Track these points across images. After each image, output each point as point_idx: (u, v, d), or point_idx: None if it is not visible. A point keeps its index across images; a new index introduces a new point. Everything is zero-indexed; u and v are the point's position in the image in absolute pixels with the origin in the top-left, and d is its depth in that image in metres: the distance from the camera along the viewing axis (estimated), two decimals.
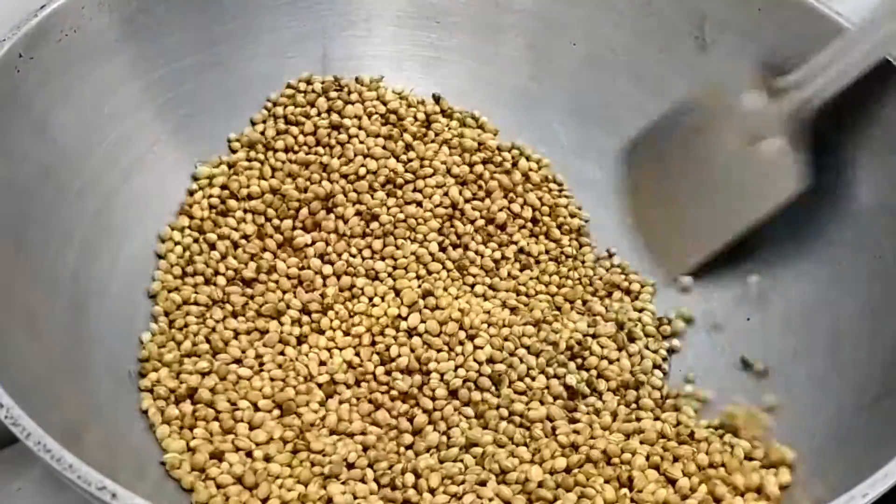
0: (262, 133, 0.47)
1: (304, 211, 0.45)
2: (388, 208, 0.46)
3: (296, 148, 0.47)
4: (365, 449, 0.39)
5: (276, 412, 0.40)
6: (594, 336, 0.43)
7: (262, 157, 0.47)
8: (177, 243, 0.44)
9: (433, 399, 0.40)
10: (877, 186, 0.41)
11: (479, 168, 0.47)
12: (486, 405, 0.40)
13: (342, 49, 0.49)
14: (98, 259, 0.41)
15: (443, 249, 0.46)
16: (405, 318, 0.43)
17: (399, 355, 0.41)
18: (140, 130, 0.44)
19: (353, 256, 0.45)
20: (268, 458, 0.38)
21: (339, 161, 0.46)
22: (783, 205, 0.42)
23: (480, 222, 0.46)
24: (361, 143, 0.47)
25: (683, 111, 0.45)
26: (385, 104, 0.48)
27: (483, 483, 0.37)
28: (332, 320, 0.43)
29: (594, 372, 0.42)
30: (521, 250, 0.46)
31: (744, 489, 0.37)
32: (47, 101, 0.40)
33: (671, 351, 0.44)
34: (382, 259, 0.45)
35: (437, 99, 0.49)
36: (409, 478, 0.37)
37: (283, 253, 0.45)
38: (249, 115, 0.48)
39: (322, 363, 0.42)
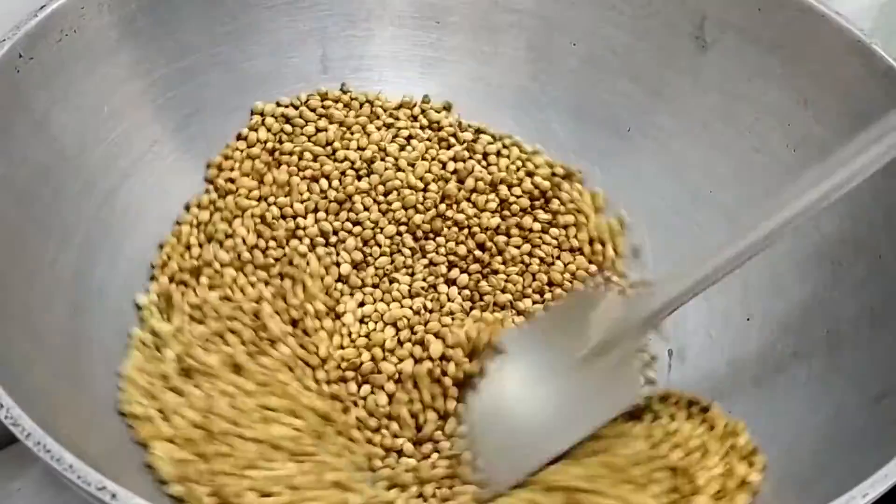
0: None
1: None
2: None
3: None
4: None
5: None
6: None
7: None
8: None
9: None
10: (876, 186, 0.41)
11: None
12: None
13: (342, 49, 0.49)
14: (98, 259, 0.42)
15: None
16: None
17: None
18: (140, 130, 0.44)
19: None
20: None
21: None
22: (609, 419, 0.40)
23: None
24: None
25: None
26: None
27: None
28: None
29: None
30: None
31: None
32: (47, 101, 0.40)
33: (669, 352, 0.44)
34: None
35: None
36: None
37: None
38: (247, 115, 0.48)
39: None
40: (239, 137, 0.48)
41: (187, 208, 0.46)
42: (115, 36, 0.43)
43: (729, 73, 0.46)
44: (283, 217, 0.46)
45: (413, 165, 0.47)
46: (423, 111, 0.50)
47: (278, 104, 0.48)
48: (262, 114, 0.48)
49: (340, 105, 0.49)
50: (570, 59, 0.49)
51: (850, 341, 0.40)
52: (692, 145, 0.48)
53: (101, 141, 0.43)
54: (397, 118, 0.49)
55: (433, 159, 0.48)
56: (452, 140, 0.49)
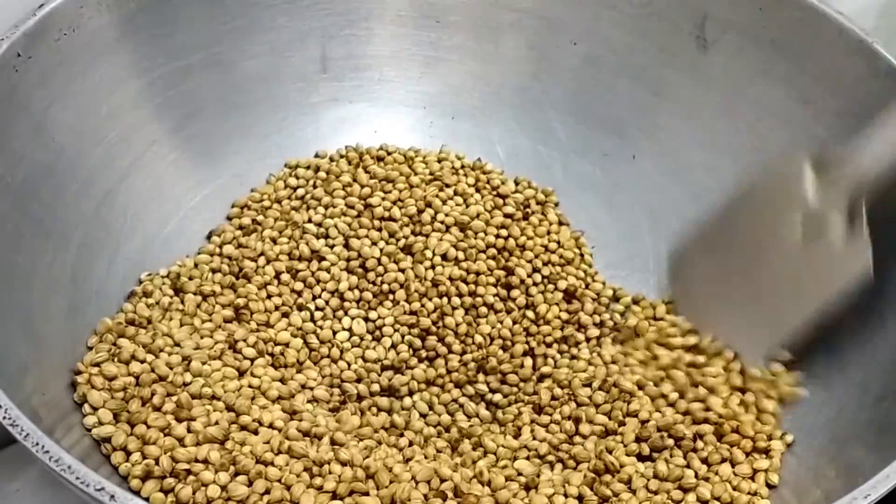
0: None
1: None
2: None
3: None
4: None
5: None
6: None
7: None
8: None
9: None
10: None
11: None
12: None
13: (342, 48, 0.49)
14: (96, 259, 0.42)
15: None
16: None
17: None
18: (139, 130, 0.44)
19: None
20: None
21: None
22: (847, 290, 0.39)
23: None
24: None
25: (735, 208, 0.43)
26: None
27: None
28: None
29: None
30: None
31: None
32: (46, 100, 0.40)
33: None
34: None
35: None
36: None
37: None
38: (248, 115, 0.48)
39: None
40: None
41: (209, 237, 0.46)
42: (113, 35, 0.43)
43: (730, 72, 0.46)
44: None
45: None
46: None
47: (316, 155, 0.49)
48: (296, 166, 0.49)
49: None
50: (570, 59, 0.49)
51: (851, 343, 0.40)
52: (693, 145, 0.47)
53: (99, 141, 0.43)
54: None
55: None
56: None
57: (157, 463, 0.35)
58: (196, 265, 0.44)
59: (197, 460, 0.36)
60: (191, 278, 0.43)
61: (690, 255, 0.44)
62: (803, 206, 0.39)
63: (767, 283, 0.41)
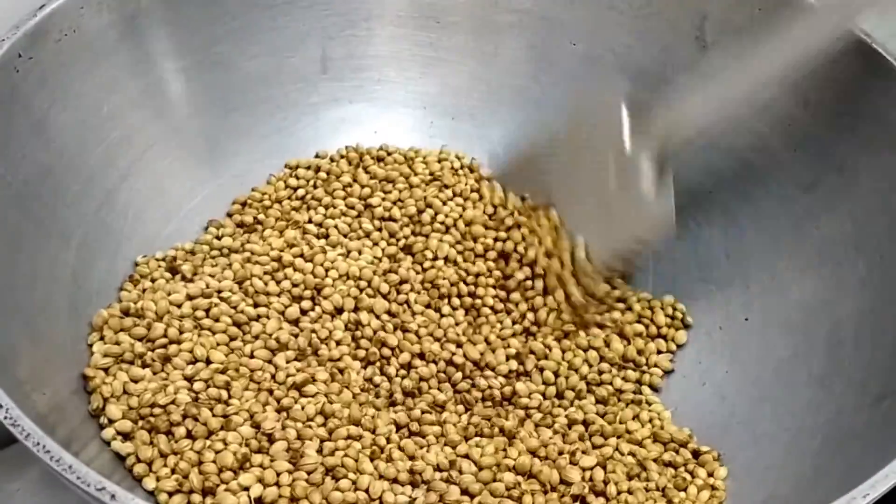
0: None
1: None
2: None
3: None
4: None
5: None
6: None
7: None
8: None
9: None
10: (876, 186, 0.41)
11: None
12: None
13: (342, 49, 0.49)
14: (97, 259, 0.42)
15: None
16: None
17: None
18: (139, 131, 0.44)
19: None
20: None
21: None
22: (647, 242, 0.40)
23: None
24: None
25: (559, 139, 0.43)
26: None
27: None
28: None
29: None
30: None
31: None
32: (46, 101, 0.40)
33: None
34: None
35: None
36: None
37: None
38: (248, 115, 0.48)
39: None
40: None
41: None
42: (114, 36, 0.43)
43: (729, 73, 0.46)
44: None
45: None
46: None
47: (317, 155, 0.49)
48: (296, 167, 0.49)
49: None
50: (570, 59, 0.49)
51: (851, 342, 0.40)
52: (692, 145, 0.47)
53: (100, 141, 0.43)
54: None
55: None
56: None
57: (185, 478, 0.35)
58: (193, 252, 0.44)
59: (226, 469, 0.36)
60: (186, 262, 0.43)
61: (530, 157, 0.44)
62: (619, 151, 0.39)
63: (590, 210, 0.41)
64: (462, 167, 0.49)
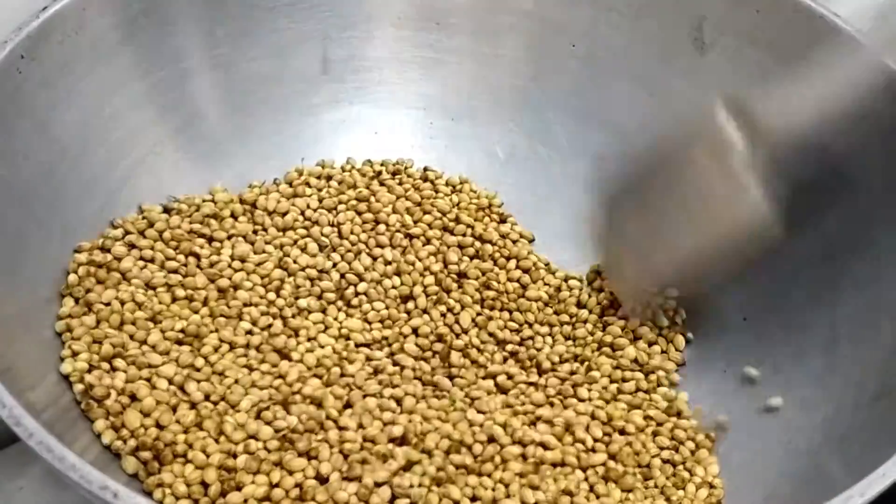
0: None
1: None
2: None
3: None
4: None
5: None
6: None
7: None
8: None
9: None
10: (876, 186, 0.41)
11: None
12: None
13: (342, 50, 0.49)
14: None
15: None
16: None
17: None
18: (141, 132, 0.44)
19: None
20: None
21: None
22: (746, 253, 0.39)
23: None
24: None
25: (662, 143, 0.42)
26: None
27: None
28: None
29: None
30: None
31: None
32: (49, 102, 0.40)
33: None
34: None
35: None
36: None
37: None
38: (250, 116, 0.48)
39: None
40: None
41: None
42: (116, 37, 0.43)
43: (728, 74, 0.46)
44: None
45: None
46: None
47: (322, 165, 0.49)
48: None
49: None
50: (569, 61, 0.49)
51: (849, 341, 0.40)
52: None
53: (102, 142, 0.43)
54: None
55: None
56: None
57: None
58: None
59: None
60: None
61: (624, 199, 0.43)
62: (728, 157, 0.38)
63: (665, 230, 0.41)
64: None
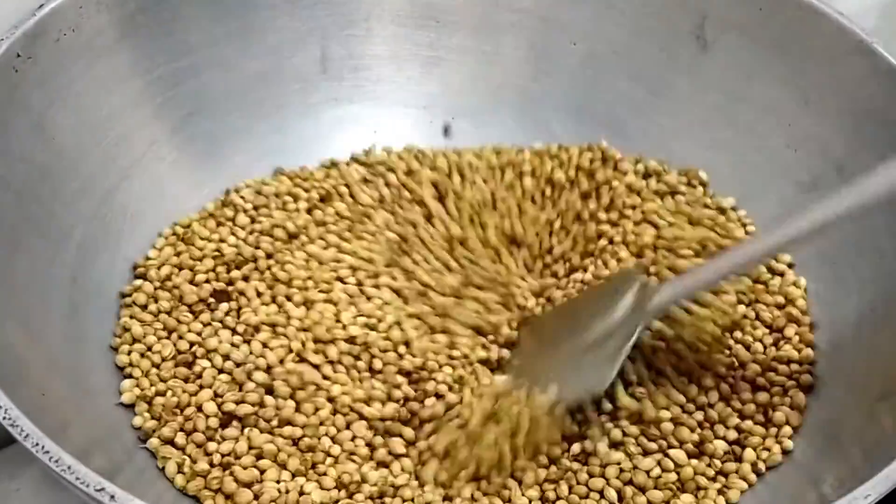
0: None
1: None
2: None
3: None
4: None
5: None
6: None
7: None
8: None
9: None
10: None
11: None
12: None
13: (342, 49, 0.49)
14: (96, 260, 0.42)
15: None
16: None
17: None
18: (139, 130, 0.44)
19: None
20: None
21: None
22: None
23: None
24: None
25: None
26: None
27: None
28: None
29: None
30: None
31: None
32: (45, 100, 0.40)
33: None
34: None
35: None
36: None
37: None
38: (248, 115, 0.48)
39: None
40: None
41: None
42: (113, 35, 0.43)
43: (729, 72, 0.46)
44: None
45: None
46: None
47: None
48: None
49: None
50: (570, 59, 0.49)
51: (852, 342, 0.40)
52: (692, 145, 0.47)
53: (99, 141, 0.43)
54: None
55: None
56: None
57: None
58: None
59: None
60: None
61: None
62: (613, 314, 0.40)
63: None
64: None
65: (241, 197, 0.46)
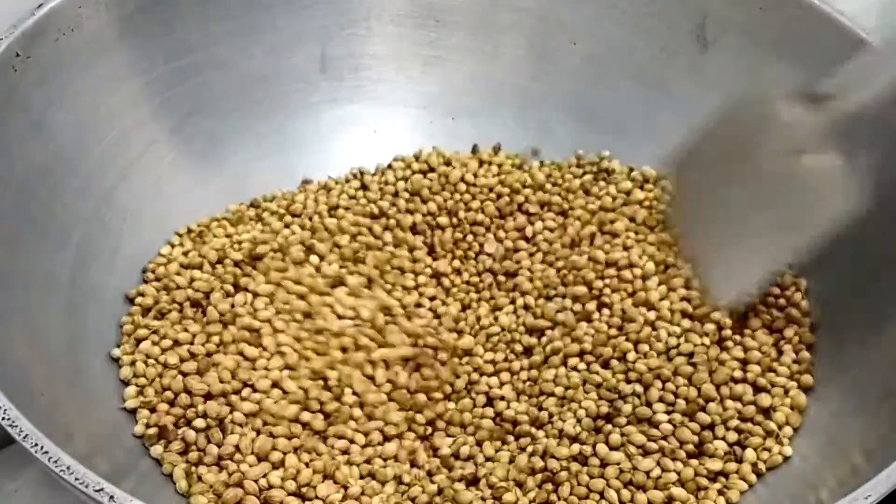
0: None
1: None
2: None
3: None
4: None
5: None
6: None
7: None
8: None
9: None
10: (879, 186, 0.41)
11: None
12: None
13: (341, 48, 0.49)
14: (95, 260, 0.42)
15: None
16: None
17: None
18: (138, 130, 0.44)
19: None
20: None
21: None
22: (837, 225, 0.38)
23: None
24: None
25: (722, 124, 0.41)
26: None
27: None
28: None
29: None
30: None
31: None
32: (45, 100, 0.40)
33: None
34: None
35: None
36: None
37: None
38: (248, 115, 0.48)
39: None
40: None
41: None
42: (113, 35, 0.43)
43: (730, 72, 0.46)
44: None
45: None
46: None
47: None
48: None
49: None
50: (570, 59, 0.49)
51: (854, 342, 0.40)
52: None
53: (98, 141, 0.43)
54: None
55: None
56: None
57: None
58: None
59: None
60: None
61: (688, 164, 0.42)
62: (785, 135, 0.38)
63: (750, 220, 0.40)
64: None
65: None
